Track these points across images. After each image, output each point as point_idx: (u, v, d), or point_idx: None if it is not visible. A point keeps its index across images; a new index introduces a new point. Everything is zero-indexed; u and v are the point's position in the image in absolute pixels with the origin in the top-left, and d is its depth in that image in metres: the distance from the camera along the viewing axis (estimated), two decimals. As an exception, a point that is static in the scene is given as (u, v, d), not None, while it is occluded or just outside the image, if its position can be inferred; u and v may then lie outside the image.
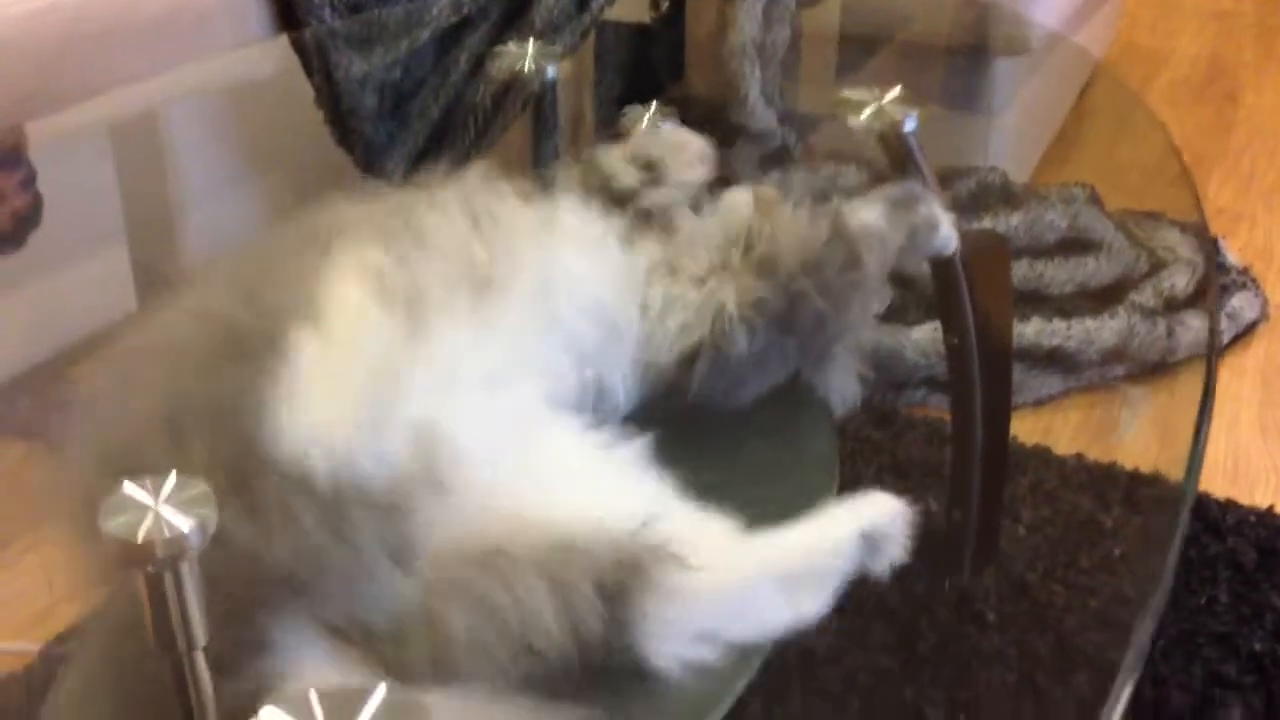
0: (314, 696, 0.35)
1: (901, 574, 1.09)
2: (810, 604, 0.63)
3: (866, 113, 0.88)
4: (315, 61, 1.28)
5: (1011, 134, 1.74)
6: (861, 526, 0.65)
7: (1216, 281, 1.54)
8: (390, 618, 0.55)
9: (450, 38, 1.38)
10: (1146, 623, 0.62)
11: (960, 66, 1.70)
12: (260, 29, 1.27)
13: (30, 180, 1.26)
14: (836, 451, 0.83)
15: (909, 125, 0.89)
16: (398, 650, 0.54)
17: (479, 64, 1.37)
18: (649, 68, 1.61)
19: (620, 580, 0.56)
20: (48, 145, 1.20)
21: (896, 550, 0.67)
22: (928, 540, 1.15)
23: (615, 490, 0.63)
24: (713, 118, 1.50)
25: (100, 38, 1.14)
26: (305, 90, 1.29)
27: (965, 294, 0.99)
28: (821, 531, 0.65)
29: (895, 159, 0.91)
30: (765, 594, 0.61)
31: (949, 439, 1.23)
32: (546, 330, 0.72)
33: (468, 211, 0.75)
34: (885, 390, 1.36)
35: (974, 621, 1.06)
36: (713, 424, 0.79)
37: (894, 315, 1.32)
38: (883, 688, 0.99)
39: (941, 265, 0.96)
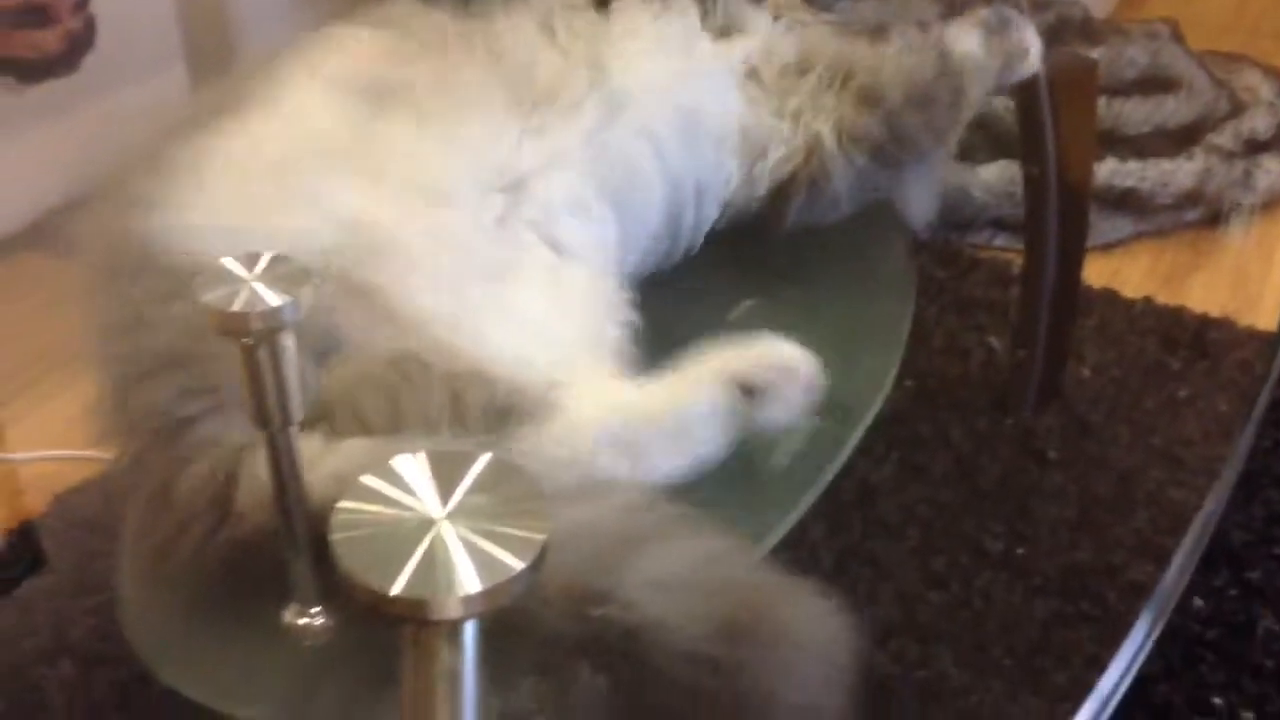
0: (424, 457, 0.35)
1: (964, 409, 1.09)
2: (679, 457, 0.59)
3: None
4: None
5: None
6: (734, 376, 0.59)
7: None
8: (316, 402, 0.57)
9: None
10: (1234, 462, 0.61)
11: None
12: None
13: (83, 1, 1.23)
14: (914, 269, 0.83)
15: (998, -67, 0.84)
16: (327, 423, 0.56)
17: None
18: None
19: (504, 413, 0.58)
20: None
21: (785, 407, 0.59)
22: (990, 377, 1.14)
23: (538, 336, 0.63)
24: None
25: None
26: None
27: (1048, 120, 0.95)
28: (687, 383, 0.60)
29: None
30: (632, 441, 0.59)
31: (1014, 279, 1.21)
32: (624, 146, 0.71)
33: (543, 22, 0.73)
34: (951, 229, 1.33)
35: (1035, 458, 1.06)
36: (792, 237, 0.78)
37: (963, 154, 1.28)
38: (942, 520, 1.00)
39: (1025, 88, 0.92)
